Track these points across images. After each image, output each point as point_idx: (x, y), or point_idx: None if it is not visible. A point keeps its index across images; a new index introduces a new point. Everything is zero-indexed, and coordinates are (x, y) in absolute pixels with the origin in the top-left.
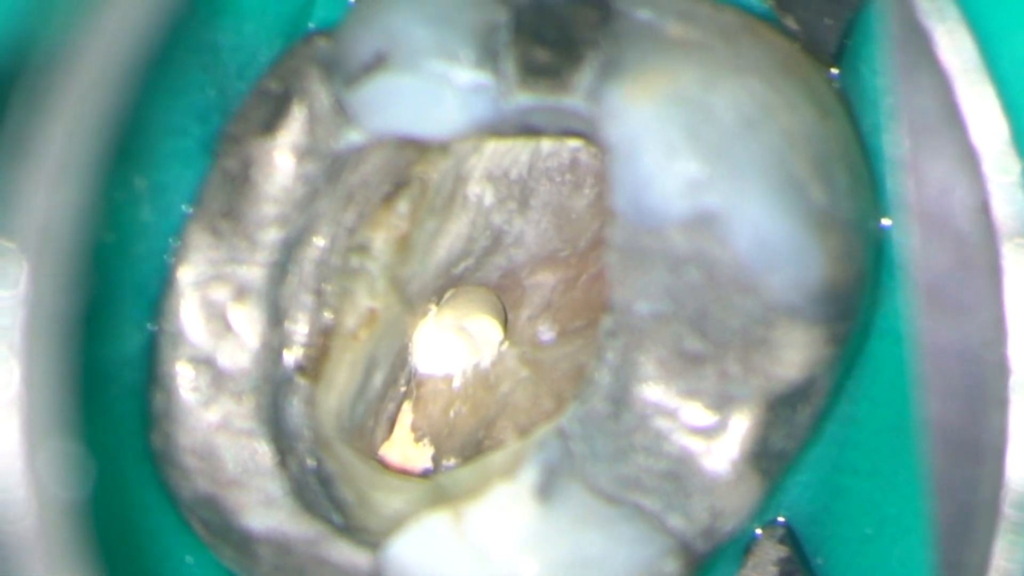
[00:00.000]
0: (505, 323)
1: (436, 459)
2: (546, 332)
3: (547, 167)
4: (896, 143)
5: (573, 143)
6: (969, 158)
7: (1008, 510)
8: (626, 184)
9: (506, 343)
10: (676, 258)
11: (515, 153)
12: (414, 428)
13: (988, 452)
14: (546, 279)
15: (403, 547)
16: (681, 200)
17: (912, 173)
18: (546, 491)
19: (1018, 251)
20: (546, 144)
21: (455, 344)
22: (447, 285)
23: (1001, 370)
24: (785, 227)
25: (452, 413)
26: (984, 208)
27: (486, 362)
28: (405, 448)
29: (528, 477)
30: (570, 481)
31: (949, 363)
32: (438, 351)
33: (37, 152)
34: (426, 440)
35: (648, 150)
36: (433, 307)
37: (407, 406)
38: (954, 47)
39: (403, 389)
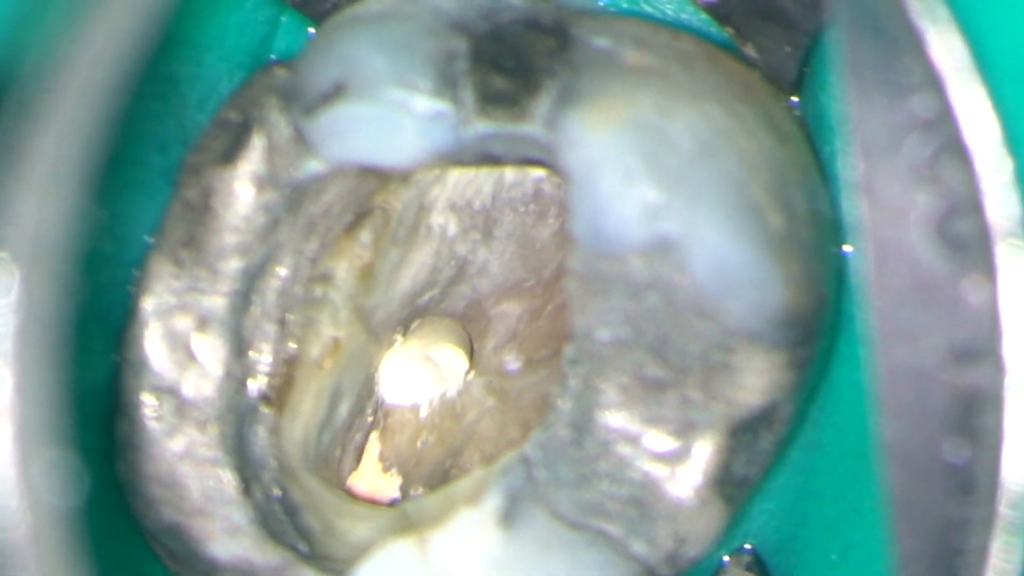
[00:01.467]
0: (471, 353)
1: (404, 489)
2: (512, 362)
3: (511, 197)
4: (851, 164)
5: (536, 173)
6: (962, 158)
7: (1004, 510)
8: (584, 211)
9: (472, 373)
10: (635, 284)
11: (478, 183)
12: (382, 458)
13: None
14: (511, 309)
15: (368, 573)
16: (639, 226)
17: (867, 194)
18: (509, 517)
19: (1012, 251)
20: (509, 174)
21: (421, 374)
22: (413, 315)
23: (996, 370)
24: (744, 253)
25: (419, 443)
26: (978, 208)
27: (452, 392)
28: (373, 478)
29: (491, 503)
30: (533, 507)
31: (906, 384)
32: (404, 381)
33: (28, 161)
34: (394, 470)
35: (605, 176)
36: (399, 337)
37: (374, 436)
38: (945, 47)
39: (370, 419)
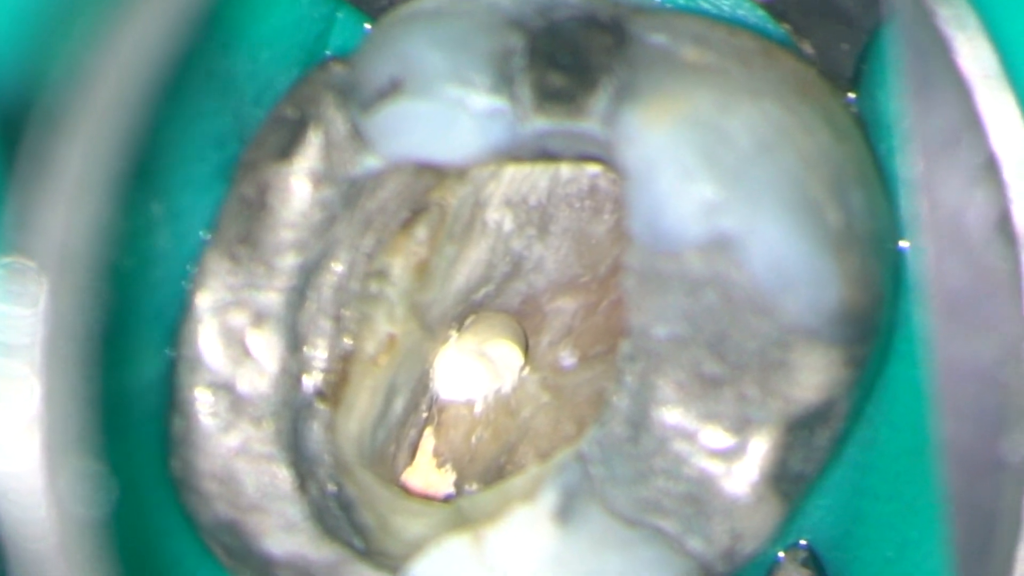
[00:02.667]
0: (526, 349)
1: (458, 484)
2: (567, 358)
3: (566, 193)
4: (910, 162)
5: (592, 169)
6: (990, 166)
7: None
8: (642, 208)
9: (527, 369)
10: (693, 281)
11: (534, 179)
12: (436, 454)
13: (1007, 468)
14: (567, 305)
15: (423, 570)
16: (697, 223)
17: (926, 192)
18: (565, 514)
19: None
20: (565, 170)
21: (476, 370)
22: (467, 311)
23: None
24: (801, 249)
25: (474, 439)
26: (1005, 217)
27: (507, 388)
28: (427, 474)
29: (547, 500)
30: (589, 504)
31: (964, 382)
32: (459, 377)
33: (55, 172)
34: (448, 466)
35: (663, 174)
36: (454, 333)
37: (429, 432)
38: (974, 54)
39: (424, 415)
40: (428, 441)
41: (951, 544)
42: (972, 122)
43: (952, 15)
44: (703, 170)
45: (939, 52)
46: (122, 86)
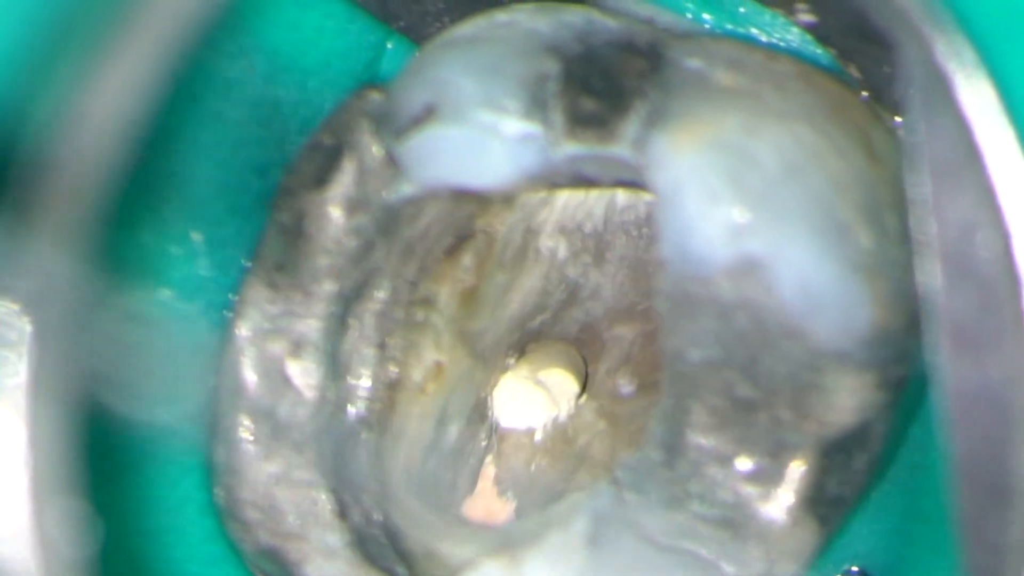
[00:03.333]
0: (585, 376)
1: (519, 512)
2: (626, 385)
3: (623, 220)
4: (917, 183)
5: (649, 196)
6: (990, 203)
7: None
8: (671, 231)
9: (584, 396)
10: (724, 305)
11: (589, 206)
12: (497, 481)
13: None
14: (625, 332)
15: None
16: (724, 246)
17: (934, 214)
18: (597, 539)
19: None
20: (621, 197)
21: (535, 397)
22: (525, 339)
23: None
24: (830, 272)
25: (533, 467)
26: (1006, 254)
27: (564, 416)
28: (489, 501)
29: (579, 525)
30: (621, 529)
31: (973, 402)
32: (519, 405)
33: (40, 211)
34: (509, 493)
35: (690, 197)
36: (511, 361)
37: (489, 460)
38: (972, 90)
39: (484, 443)
40: (489, 469)
41: (962, 564)
42: (972, 157)
43: (950, 51)
44: (729, 193)
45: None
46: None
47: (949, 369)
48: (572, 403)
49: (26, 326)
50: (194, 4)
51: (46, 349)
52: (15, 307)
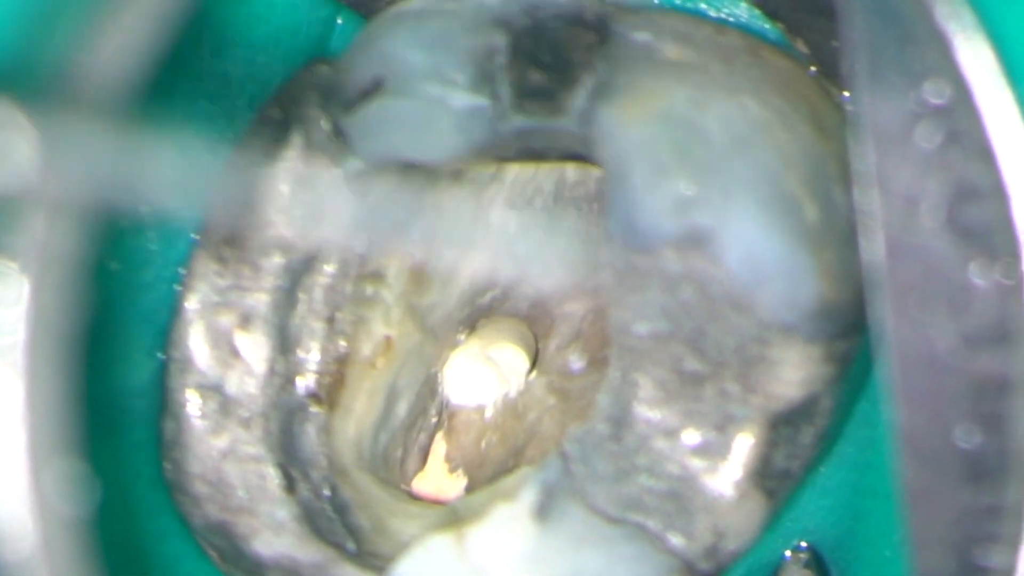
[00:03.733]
0: (535, 353)
1: (469, 489)
2: (576, 361)
3: (573, 196)
4: (861, 155)
5: (598, 172)
6: (990, 167)
7: None
8: (617, 204)
9: (534, 372)
10: (670, 277)
11: (538, 182)
12: (448, 459)
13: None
14: (575, 308)
15: (406, 569)
16: (671, 219)
17: (877, 183)
18: (544, 511)
19: None
20: (571, 173)
21: (485, 374)
22: (476, 315)
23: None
24: (776, 244)
25: (484, 443)
26: (1007, 219)
27: (514, 392)
28: (439, 479)
29: (527, 498)
30: (569, 501)
31: (918, 373)
32: (468, 382)
33: (38, 173)
34: (460, 471)
35: (637, 170)
36: (462, 337)
37: (440, 437)
38: (972, 51)
39: (435, 420)
40: (439, 446)
41: (908, 534)
42: (971, 116)
43: (950, 12)
44: (676, 166)
45: (890, 43)
46: (107, 86)
47: (892, 340)
48: (522, 379)
49: (24, 283)
50: None
51: (44, 307)
52: (12, 265)
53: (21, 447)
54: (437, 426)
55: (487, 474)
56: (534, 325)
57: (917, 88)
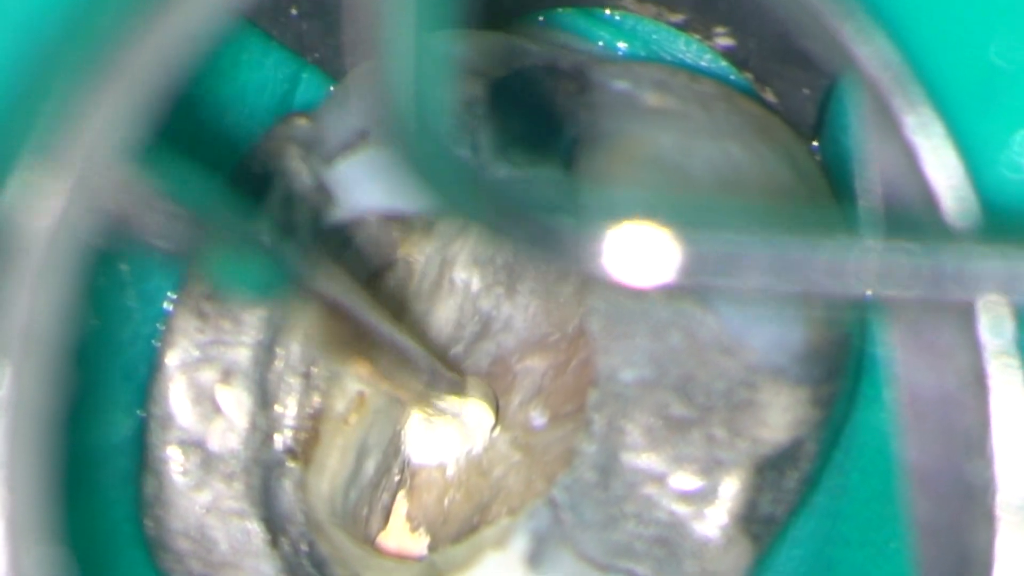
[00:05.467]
0: (496, 409)
1: (432, 547)
2: (538, 417)
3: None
4: (867, 193)
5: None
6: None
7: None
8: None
9: (497, 429)
10: (658, 323)
11: None
12: (409, 517)
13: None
14: (536, 364)
15: None
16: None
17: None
18: (536, 558)
19: (1004, 370)
20: None
21: (447, 433)
22: None
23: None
24: None
25: (447, 501)
26: (972, 329)
27: (478, 448)
28: (401, 538)
29: (518, 546)
30: (560, 549)
31: (927, 408)
32: (430, 440)
33: (19, 254)
34: (421, 529)
35: (627, 214)
36: None
37: (402, 495)
38: (940, 163)
39: (397, 478)
40: (401, 504)
41: (917, 567)
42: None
43: (918, 124)
44: (666, 211)
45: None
46: (89, 158)
47: (902, 372)
48: (486, 436)
49: (4, 369)
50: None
51: (25, 392)
52: None
53: (1, 533)
54: (399, 484)
55: (450, 532)
56: (495, 382)
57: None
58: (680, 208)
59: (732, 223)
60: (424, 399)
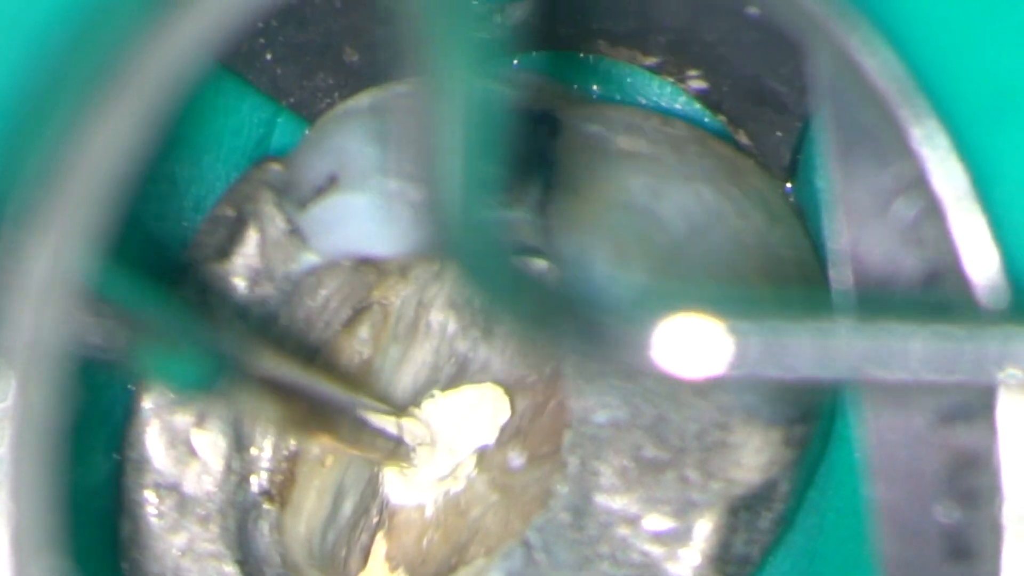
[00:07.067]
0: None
1: None
2: (516, 458)
3: None
4: (836, 233)
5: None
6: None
7: None
8: (580, 292)
9: (476, 469)
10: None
11: None
12: (388, 558)
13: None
14: (514, 406)
15: None
16: (633, 306)
17: (853, 262)
18: None
19: (1010, 393)
20: None
21: (426, 472)
22: None
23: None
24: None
25: (425, 541)
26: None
27: (457, 488)
28: None
29: None
30: None
31: (895, 448)
32: (406, 480)
33: (25, 266)
34: (400, 570)
35: (597, 258)
36: None
37: (380, 536)
38: (946, 175)
39: (375, 519)
40: (380, 545)
41: None
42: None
43: (924, 135)
44: (636, 254)
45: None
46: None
47: (870, 415)
48: (464, 476)
49: (9, 379)
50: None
51: (30, 403)
52: None
53: (6, 544)
54: (378, 525)
55: (429, 572)
56: None
57: (890, 166)
58: (722, 297)
59: (775, 311)
60: (394, 456)
